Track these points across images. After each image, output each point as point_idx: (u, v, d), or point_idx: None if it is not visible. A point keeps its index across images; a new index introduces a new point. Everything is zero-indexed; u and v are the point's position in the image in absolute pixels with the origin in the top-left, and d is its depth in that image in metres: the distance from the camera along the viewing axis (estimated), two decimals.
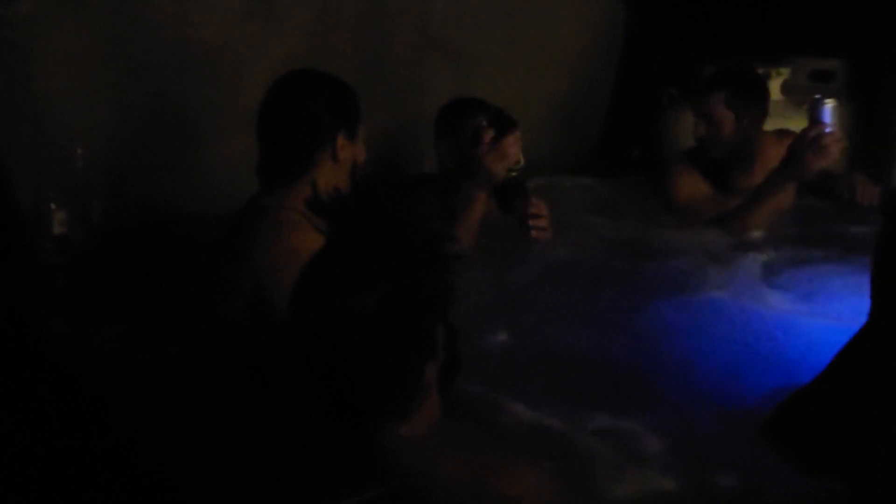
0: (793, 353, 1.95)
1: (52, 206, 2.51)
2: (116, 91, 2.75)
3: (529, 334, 2.09)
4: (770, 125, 3.04)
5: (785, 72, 3.55)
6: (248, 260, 1.95)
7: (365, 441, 1.35)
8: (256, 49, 2.94)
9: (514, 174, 2.38)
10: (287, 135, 2.04)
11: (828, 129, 2.51)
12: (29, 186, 2.57)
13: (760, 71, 3.46)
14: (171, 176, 2.81)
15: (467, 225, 2.38)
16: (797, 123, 3.35)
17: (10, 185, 2.56)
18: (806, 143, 2.51)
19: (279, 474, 1.37)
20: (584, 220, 2.84)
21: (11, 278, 2.36)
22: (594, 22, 3.86)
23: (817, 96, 2.60)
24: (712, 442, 1.65)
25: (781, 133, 2.92)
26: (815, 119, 2.55)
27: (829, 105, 2.54)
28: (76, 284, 2.35)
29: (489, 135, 2.37)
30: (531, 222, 2.44)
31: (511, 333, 2.09)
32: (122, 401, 1.75)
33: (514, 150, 2.38)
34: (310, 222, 1.95)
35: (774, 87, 3.50)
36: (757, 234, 2.64)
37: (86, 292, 2.28)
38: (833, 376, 1.52)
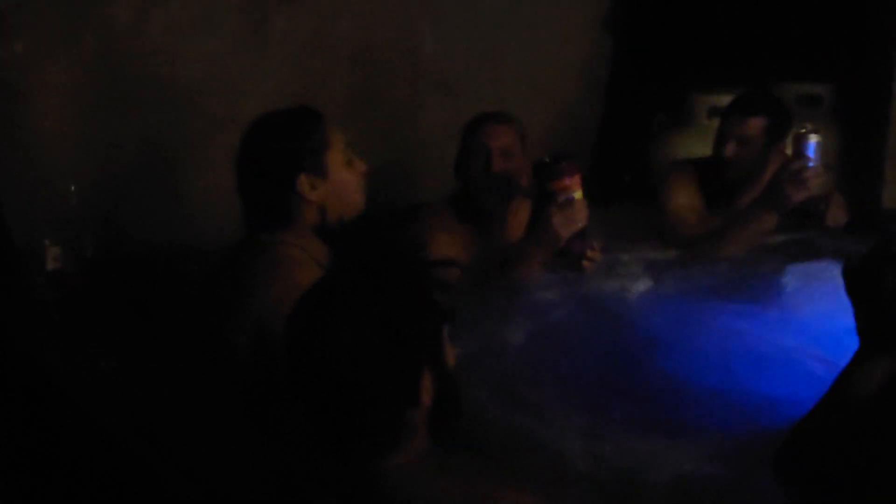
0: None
1: (46, 242, 2.52)
2: (108, 128, 2.76)
3: (530, 354, 2.08)
4: None
5: None
6: (250, 296, 1.88)
7: (358, 471, 1.35)
8: (247, 85, 2.96)
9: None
10: (253, 189, 1.99)
11: (810, 164, 2.55)
12: (23, 223, 2.57)
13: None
14: (163, 211, 2.82)
15: (512, 277, 2.35)
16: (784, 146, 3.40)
17: (4, 222, 2.56)
18: (787, 175, 2.56)
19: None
20: None
21: (4, 313, 2.36)
22: (581, 53, 3.89)
23: (802, 130, 2.63)
24: (717, 471, 1.62)
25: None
26: (798, 152, 2.58)
27: (812, 140, 2.57)
28: (70, 319, 2.35)
29: (563, 193, 2.32)
30: (586, 264, 2.42)
31: (513, 353, 2.08)
32: (115, 433, 1.74)
33: (582, 214, 2.33)
34: (311, 257, 1.96)
35: None
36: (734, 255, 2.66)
37: (79, 326, 2.28)
38: (829, 408, 1.51)
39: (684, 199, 2.90)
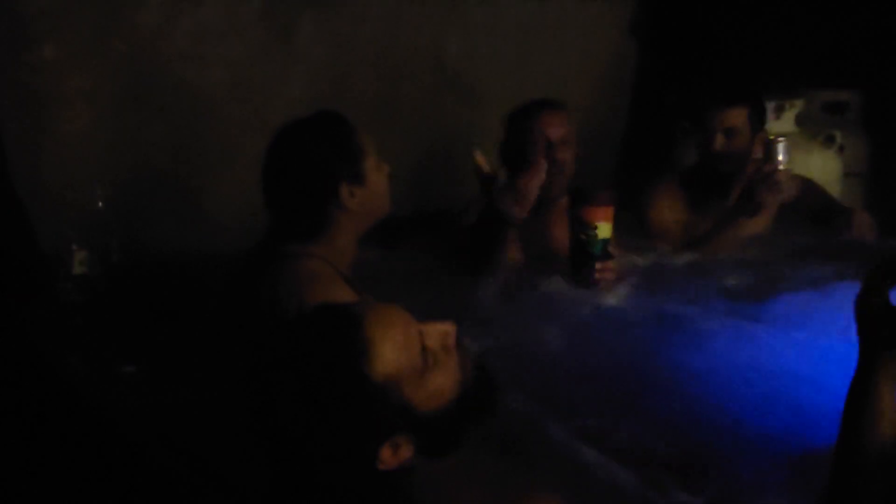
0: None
1: (73, 246, 2.53)
2: (134, 133, 2.77)
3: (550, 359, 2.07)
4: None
5: (799, 103, 3.54)
6: (275, 305, 1.83)
7: (383, 477, 1.34)
8: (274, 90, 2.97)
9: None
10: (289, 201, 1.95)
11: (780, 167, 2.62)
12: (50, 227, 2.59)
13: (775, 103, 3.48)
14: (188, 216, 2.83)
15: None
16: (811, 154, 3.37)
17: (30, 227, 2.58)
18: (760, 178, 2.63)
19: None
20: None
21: (30, 317, 2.37)
22: (604, 58, 3.88)
23: (772, 136, 2.72)
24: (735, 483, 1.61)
25: None
26: (769, 157, 2.65)
27: (781, 144, 2.65)
28: (94, 323, 2.36)
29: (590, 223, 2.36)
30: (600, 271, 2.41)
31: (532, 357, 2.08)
32: (134, 435, 1.75)
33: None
34: (335, 269, 1.95)
35: (789, 118, 3.50)
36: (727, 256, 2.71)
37: (103, 330, 2.29)
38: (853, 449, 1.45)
39: (668, 213, 2.93)
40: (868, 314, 1.41)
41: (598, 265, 2.36)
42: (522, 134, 2.58)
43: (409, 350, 1.32)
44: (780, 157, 2.64)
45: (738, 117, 2.81)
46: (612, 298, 2.41)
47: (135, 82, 2.75)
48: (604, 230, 2.34)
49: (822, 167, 3.35)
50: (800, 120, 3.55)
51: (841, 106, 3.63)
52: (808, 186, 3.05)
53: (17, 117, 2.56)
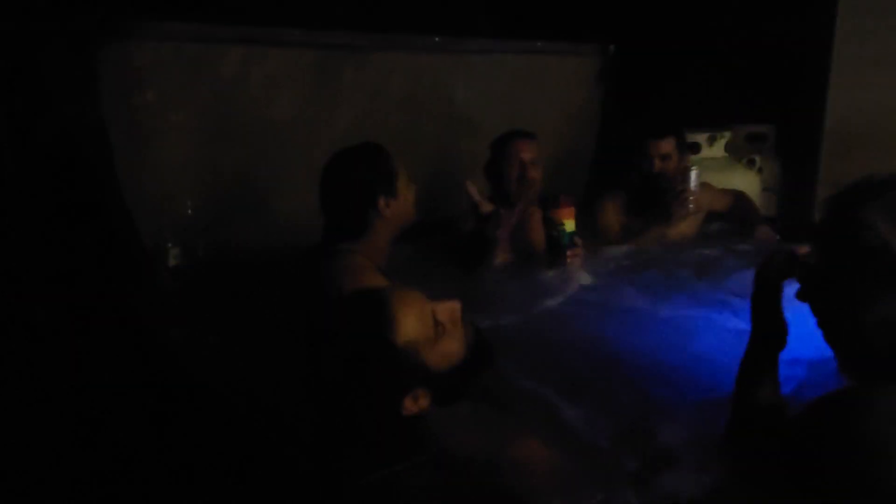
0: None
1: (169, 244, 2.54)
2: (216, 157, 2.78)
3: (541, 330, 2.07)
4: (715, 177, 3.05)
5: (727, 135, 3.54)
6: (326, 290, 1.85)
7: (406, 421, 1.34)
8: (323, 124, 2.97)
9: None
10: (339, 209, 1.98)
11: (691, 188, 2.73)
12: (152, 230, 2.61)
13: (709, 134, 3.48)
14: (257, 221, 2.83)
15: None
16: (737, 173, 3.36)
17: (135, 229, 2.59)
18: (673, 196, 2.74)
19: (345, 444, 1.37)
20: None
21: (138, 300, 2.39)
22: (578, 100, 3.87)
23: (685, 165, 2.80)
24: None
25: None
26: (682, 181, 2.73)
27: (693, 171, 2.73)
28: (186, 303, 2.36)
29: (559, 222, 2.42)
30: (570, 256, 2.43)
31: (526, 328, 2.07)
32: (219, 390, 1.76)
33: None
34: (373, 263, 1.96)
35: (720, 146, 3.49)
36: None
37: (193, 309, 2.30)
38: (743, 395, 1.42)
39: (611, 217, 2.97)
40: (759, 306, 1.42)
41: (568, 252, 2.41)
42: (502, 156, 2.61)
43: (424, 323, 1.34)
44: (692, 182, 2.71)
45: (668, 145, 2.82)
46: (583, 280, 2.42)
47: (217, 118, 2.76)
48: (569, 225, 2.40)
49: (745, 184, 3.35)
50: (728, 147, 3.55)
51: (760, 136, 3.62)
52: (739, 199, 3.05)
53: (127, 145, 2.57)
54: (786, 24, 3.38)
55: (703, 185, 2.86)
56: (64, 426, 2.06)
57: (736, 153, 3.55)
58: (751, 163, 3.49)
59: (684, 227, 2.88)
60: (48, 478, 1.94)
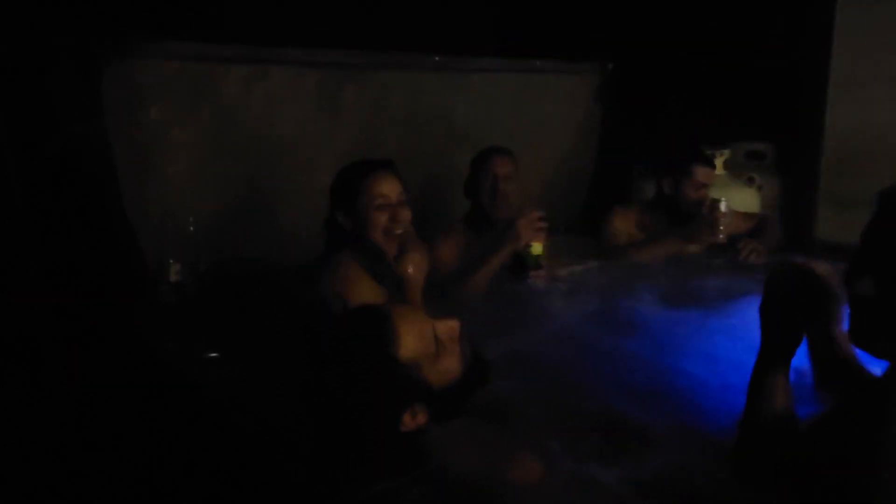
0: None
1: (171, 259, 2.55)
2: (218, 174, 2.79)
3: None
4: (714, 193, 3.05)
5: (727, 153, 3.55)
6: (324, 303, 1.91)
7: (405, 436, 1.35)
8: (326, 142, 2.98)
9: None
10: (339, 220, 2.06)
11: (725, 218, 2.73)
12: (154, 245, 2.62)
13: (709, 152, 3.49)
14: (258, 238, 2.84)
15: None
16: (736, 191, 3.37)
17: (138, 245, 2.60)
18: (706, 222, 2.76)
19: (343, 458, 1.37)
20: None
21: (137, 313, 2.39)
22: (577, 117, 3.89)
23: (714, 198, 2.78)
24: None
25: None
26: (712, 208, 2.74)
27: (723, 202, 2.73)
28: (186, 318, 2.37)
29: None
30: (533, 276, 2.49)
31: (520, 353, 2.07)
32: (217, 404, 1.76)
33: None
34: (366, 271, 1.99)
35: (719, 164, 3.50)
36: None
37: (193, 324, 2.30)
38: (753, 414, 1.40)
39: (619, 226, 2.98)
40: (768, 317, 1.42)
41: (531, 273, 2.49)
42: (478, 171, 2.65)
43: (424, 340, 1.34)
44: (723, 209, 2.72)
45: (711, 174, 2.90)
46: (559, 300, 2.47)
47: (220, 136, 2.77)
48: (536, 248, 2.48)
49: (744, 201, 3.35)
50: (728, 165, 3.56)
51: (759, 154, 3.63)
52: (762, 221, 3.04)
53: (130, 162, 2.58)
54: (784, 42, 3.40)
55: (732, 213, 2.86)
56: (64, 439, 2.07)
57: (736, 170, 3.55)
58: (750, 180, 3.50)
59: (693, 247, 2.86)
60: (47, 489, 1.94)
